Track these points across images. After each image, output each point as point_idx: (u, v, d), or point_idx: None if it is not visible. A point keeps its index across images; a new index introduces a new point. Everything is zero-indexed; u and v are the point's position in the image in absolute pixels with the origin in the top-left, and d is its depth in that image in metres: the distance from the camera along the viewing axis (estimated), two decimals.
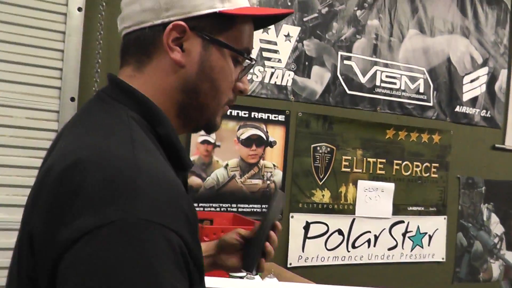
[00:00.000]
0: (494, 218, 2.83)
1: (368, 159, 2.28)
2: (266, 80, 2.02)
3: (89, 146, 0.59)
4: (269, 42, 2.02)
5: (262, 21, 0.79)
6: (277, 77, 2.03)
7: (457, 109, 2.57)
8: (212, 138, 1.91)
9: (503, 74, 2.75)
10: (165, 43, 0.68)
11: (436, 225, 2.51)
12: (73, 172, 0.55)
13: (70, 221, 0.52)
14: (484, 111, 2.69)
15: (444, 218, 2.55)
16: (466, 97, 2.60)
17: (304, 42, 2.08)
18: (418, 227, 2.45)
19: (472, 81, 2.62)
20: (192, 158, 1.87)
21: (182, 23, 0.68)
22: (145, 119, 0.66)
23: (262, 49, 2.01)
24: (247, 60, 0.75)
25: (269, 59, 2.02)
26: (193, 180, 1.89)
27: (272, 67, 2.03)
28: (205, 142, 1.90)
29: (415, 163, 2.41)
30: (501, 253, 2.86)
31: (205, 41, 0.70)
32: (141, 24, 0.70)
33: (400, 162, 2.36)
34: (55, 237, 0.53)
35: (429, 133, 2.45)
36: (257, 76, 1.99)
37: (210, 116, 0.74)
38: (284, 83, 2.04)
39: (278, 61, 2.04)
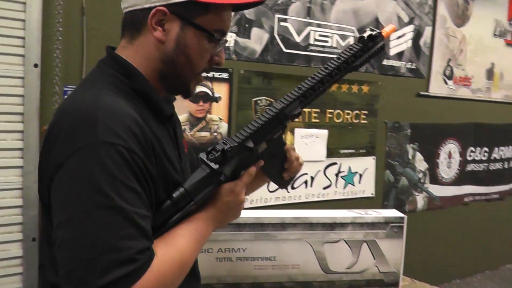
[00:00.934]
0: (419, 156, 3.19)
1: (304, 109, 2.55)
2: None
3: (72, 99, 0.84)
4: None
5: (240, 5, 0.97)
6: None
7: (385, 62, 2.87)
8: None
9: (427, 31, 3.04)
10: (149, 23, 0.86)
11: (365, 165, 2.85)
12: (58, 119, 0.80)
13: (56, 152, 0.75)
14: (410, 63, 3.00)
15: (373, 158, 2.87)
16: (393, 51, 2.89)
17: None
18: (350, 167, 2.77)
19: (398, 37, 2.90)
20: None
21: (163, 8, 0.85)
22: (126, 77, 0.89)
23: None
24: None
25: None
26: None
27: None
28: None
29: (346, 111, 2.71)
30: (425, 186, 3.25)
31: (182, 23, 0.87)
32: (135, 6, 0.88)
33: (332, 111, 2.66)
34: (49, 165, 0.77)
35: (358, 84, 2.75)
36: None
37: (185, 83, 0.92)
38: (227, 44, 2.26)
39: None
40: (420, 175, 3.22)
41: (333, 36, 2.60)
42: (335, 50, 2.61)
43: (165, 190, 0.86)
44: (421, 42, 3.02)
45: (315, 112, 2.60)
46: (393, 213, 1.38)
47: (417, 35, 2.99)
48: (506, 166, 3.86)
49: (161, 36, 0.87)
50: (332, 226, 1.28)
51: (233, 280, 1.38)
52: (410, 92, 3.06)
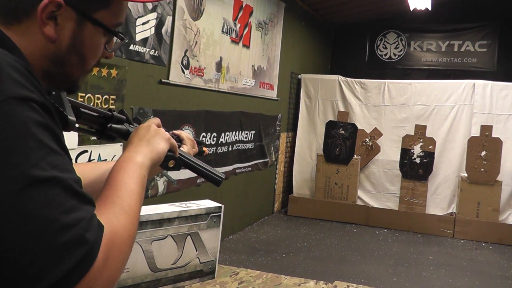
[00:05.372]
0: None
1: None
2: None
3: None
4: None
5: None
6: None
7: (131, 47, 2.87)
8: None
9: (169, 20, 3.17)
10: (39, 17, 0.68)
11: (114, 152, 2.82)
12: None
13: None
14: (153, 50, 3.07)
15: (121, 145, 2.87)
16: (138, 37, 2.92)
17: None
18: (99, 154, 2.70)
19: (143, 23, 2.94)
20: None
21: None
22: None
23: None
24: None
25: None
26: None
27: None
28: None
29: (96, 95, 2.61)
30: (164, 171, 3.39)
31: (79, 18, 0.71)
32: None
33: (84, 94, 2.53)
34: None
35: (108, 68, 2.68)
36: None
37: (73, 81, 0.77)
38: None
39: None
40: None
41: None
42: None
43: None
44: (163, 30, 3.13)
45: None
46: (211, 203, 1.43)
47: (160, 23, 3.08)
48: (230, 149, 4.35)
49: (52, 33, 0.70)
50: (160, 222, 1.25)
51: None
52: (153, 79, 3.14)
